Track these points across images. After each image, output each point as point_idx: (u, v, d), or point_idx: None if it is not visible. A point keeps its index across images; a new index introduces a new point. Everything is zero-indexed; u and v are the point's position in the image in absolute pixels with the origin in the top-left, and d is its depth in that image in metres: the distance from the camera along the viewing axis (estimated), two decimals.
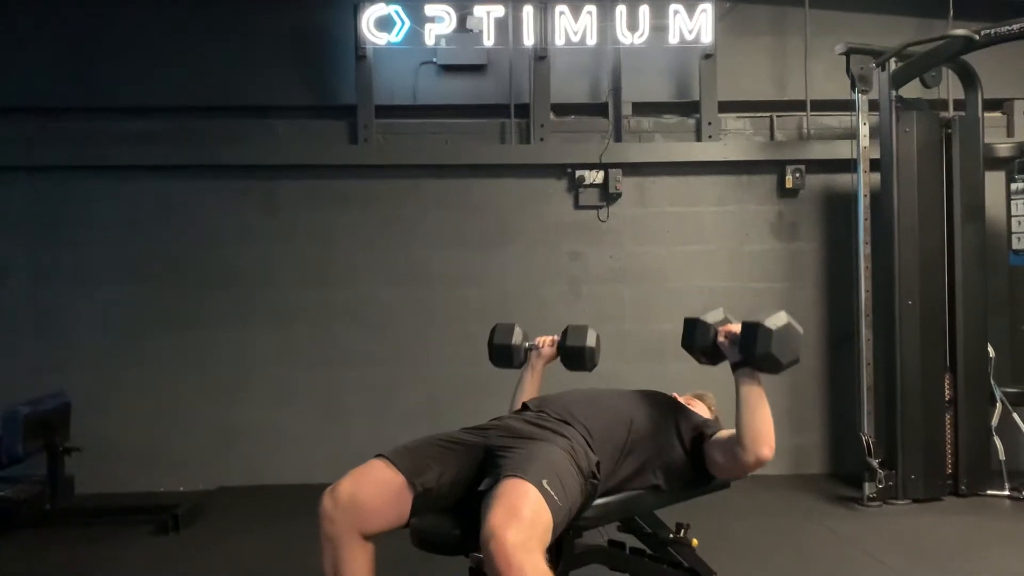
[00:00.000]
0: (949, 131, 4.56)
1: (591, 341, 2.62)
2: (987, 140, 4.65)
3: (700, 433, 2.26)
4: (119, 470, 4.78)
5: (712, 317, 2.28)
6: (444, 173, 5.01)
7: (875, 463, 4.25)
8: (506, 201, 5.04)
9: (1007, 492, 4.44)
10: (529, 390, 2.66)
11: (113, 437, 4.79)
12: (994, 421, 4.58)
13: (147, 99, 4.94)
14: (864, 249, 4.40)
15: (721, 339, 2.22)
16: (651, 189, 5.07)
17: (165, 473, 4.87)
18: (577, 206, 5.05)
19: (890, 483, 4.30)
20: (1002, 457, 4.53)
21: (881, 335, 4.47)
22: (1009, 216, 4.69)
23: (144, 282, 4.93)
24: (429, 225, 5.01)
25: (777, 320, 2.07)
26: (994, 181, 4.72)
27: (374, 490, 2.05)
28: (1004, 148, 4.86)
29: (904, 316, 4.39)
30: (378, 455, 2.14)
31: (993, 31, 4.02)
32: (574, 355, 2.63)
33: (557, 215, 5.04)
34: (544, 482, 1.88)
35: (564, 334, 2.68)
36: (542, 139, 5.00)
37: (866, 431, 4.32)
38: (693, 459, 2.25)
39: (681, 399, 2.64)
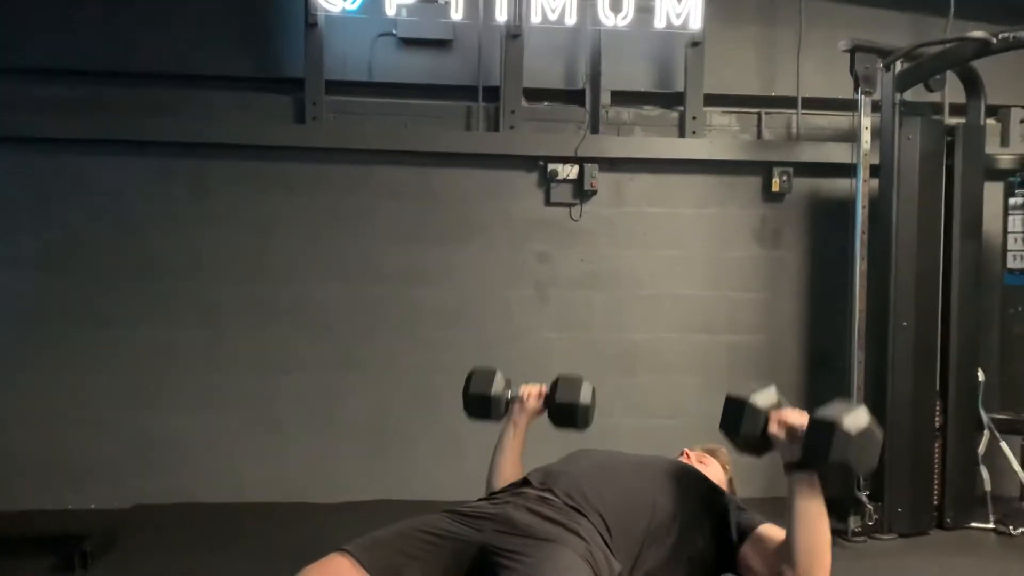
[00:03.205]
0: (951, 139, 4.24)
1: (585, 397, 2.21)
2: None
3: (732, 525, 1.84)
4: (16, 485, 4.20)
5: (764, 400, 1.80)
6: (401, 160, 4.48)
7: (864, 497, 3.95)
8: (469, 194, 4.55)
9: (992, 524, 4.19)
10: (511, 452, 2.24)
11: (10, 446, 4.22)
12: (981, 449, 4.33)
13: (59, 60, 4.29)
14: (860, 265, 4.06)
15: (775, 430, 1.76)
16: (628, 187, 4.64)
17: (73, 489, 4.30)
18: (548, 203, 4.59)
19: (876, 516, 4.00)
20: (988, 488, 4.28)
21: (871, 358, 4.16)
22: (1005, 232, 4.43)
23: (52, 270, 4.32)
24: (382, 217, 4.49)
25: (857, 420, 1.64)
26: (990, 192, 4.43)
27: None
28: (1004, 160, 4.57)
29: (897, 339, 4.08)
30: (340, 549, 1.67)
31: (1012, 35, 3.70)
32: (565, 413, 2.23)
33: (525, 212, 4.58)
34: None
35: (554, 386, 2.27)
36: (512, 127, 4.52)
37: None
38: (719, 552, 1.83)
39: (692, 455, 2.25)
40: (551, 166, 4.53)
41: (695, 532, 1.83)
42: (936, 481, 4.20)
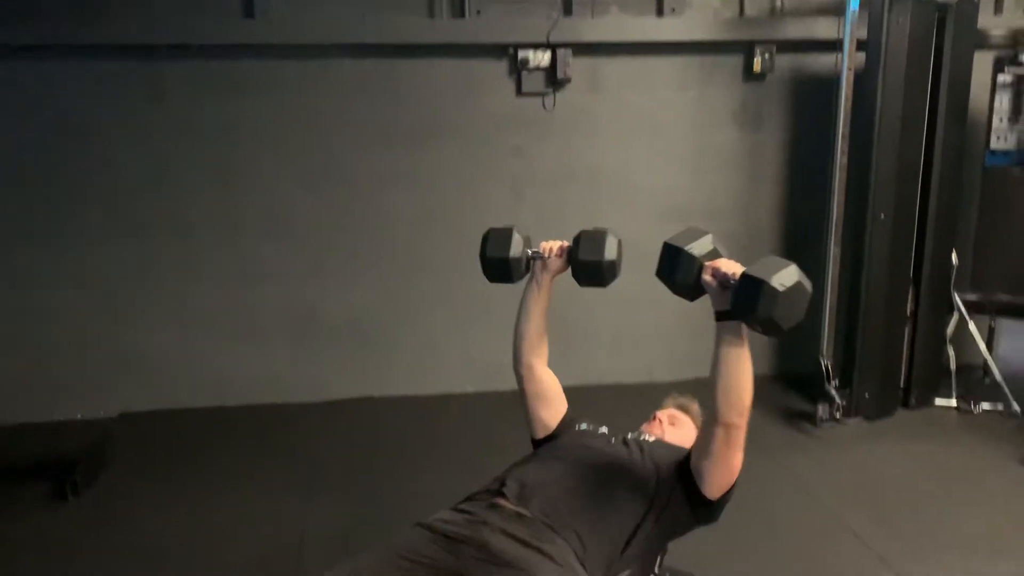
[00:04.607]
0: (942, 15, 4.01)
1: (611, 253, 2.08)
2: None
3: (681, 463, 1.90)
4: (2, 398, 4.23)
5: (699, 248, 1.82)
6: (362, 54, 4.21)
7: (833, 390, 4.07)
8: (436, 88, 4.32)
9: (955, 403, 4.36)
10: (536, 315, 2.15)
11: None
12: (949, 330, 4.43)
13: None
14: (841, 160, 3.96)
15: (707, 278, 1.79)
16: (604, 73, 4.41)
17: (59, 400, 4.34)
18: (520, 93, 4.37)
19: (844, 402, 4.14)
20: (953, 367, 4.42)
21: (848, 248, 4.15)
22: (991, 111, 4.29)
23: (9, 185, 4.13)
24: (346, 118, 4.28)
25: (786, 277, 1.64)
26: (979, 64, 4.23)
27: None
28: (996, 35, 4.35)
29: (875, 232, 4.04)
30: None
31: None
32: (590, 270, 2.10)
33: (496, 104, 4.37)
34: None
35: (577, 242, 2.13)
36: (479, 11, 4.22)
37: (826, 355, 4.10)
38: (687, 494, 1.89)
39: (664, 417, 2.26)
40: (522, 53, 4.28)
41: (671, 506, 1.88)
42: (904, 364, 4.32)
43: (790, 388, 4.63)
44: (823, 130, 4.20)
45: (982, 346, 4.39)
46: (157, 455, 3.92)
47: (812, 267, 4.37)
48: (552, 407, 2.18)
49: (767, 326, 1.68)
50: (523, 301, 2.18)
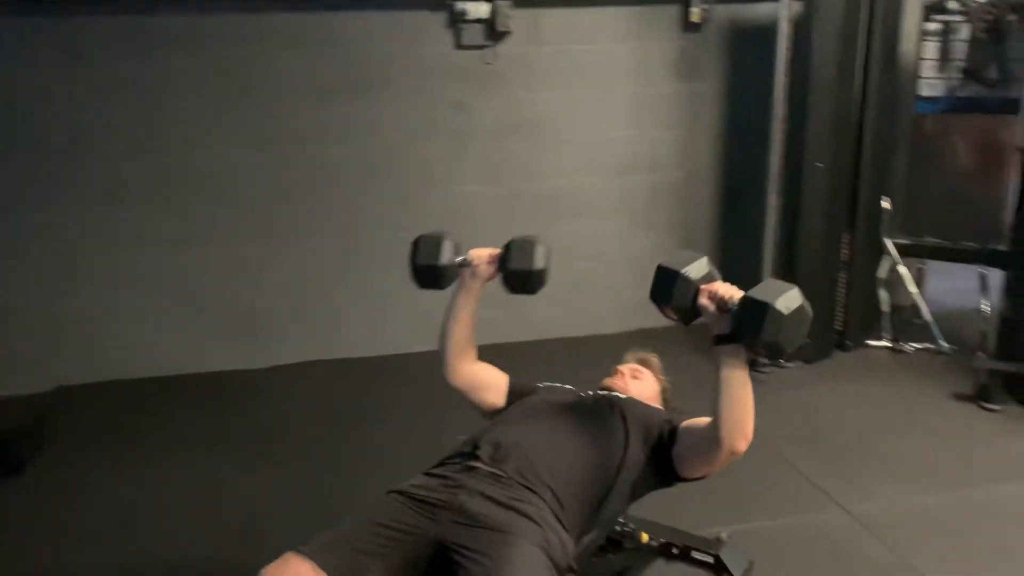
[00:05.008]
0: None
1: (540, 262, 2.09)
2: None
3: (660, 434, 1.91)
4: None
5: (695, 271, 1.79)
6: (292, 5, 4.05)
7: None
8: (373, 41, 4.19)
9: (888, 343, 4.54)
10: (464, 320, 2.14)
11: None
12: (882, 273, 4.58)
13: None
14: (779, 110, 4.01)
15: (704, 301, 1.77)
16: (544, 25, 4.36)
17: None
18: (459, 45, 4.29)
19: None
20: (885, 308, 4.59)
21: (786, 196, 4.23)
22: (919, 60, 4.40)
23: None
24: (280, 72, 4.13)
25: (790, 300, 1.64)
26: (911, 11, 4.31)
27: None
28: None
29: (812, 180, 4.12)
30: (296, 550, 1.60)
31: None
32: (519, 279, 2.11)
33: (435, 58, 4.28)
34: None
35: (507, 250, 2.12)
36: None
37: None
38: (657, 465, 1.91)
39: (626, 371, 2.29)
40: (460, 5, 4.19)
41: (640, 470, 1.89)
42: (841, 308, 4.46)
43: None
44: (761, 80, 4.24)
45: (912, 288, 4.56)
46: (100, 429, 3.78)
47: (750, 218, 4.54)
48: (492, 389, 2.17)
49: (771, 349, 1.68)
50: (451, 307, 2.16)
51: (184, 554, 2.75)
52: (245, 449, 3.51)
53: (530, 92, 4.42)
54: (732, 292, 1.73)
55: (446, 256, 2.11)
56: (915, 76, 4.42)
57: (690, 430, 1.89)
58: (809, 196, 4.14)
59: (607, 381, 2.27)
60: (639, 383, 2.25)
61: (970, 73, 4.37)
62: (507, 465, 1.79)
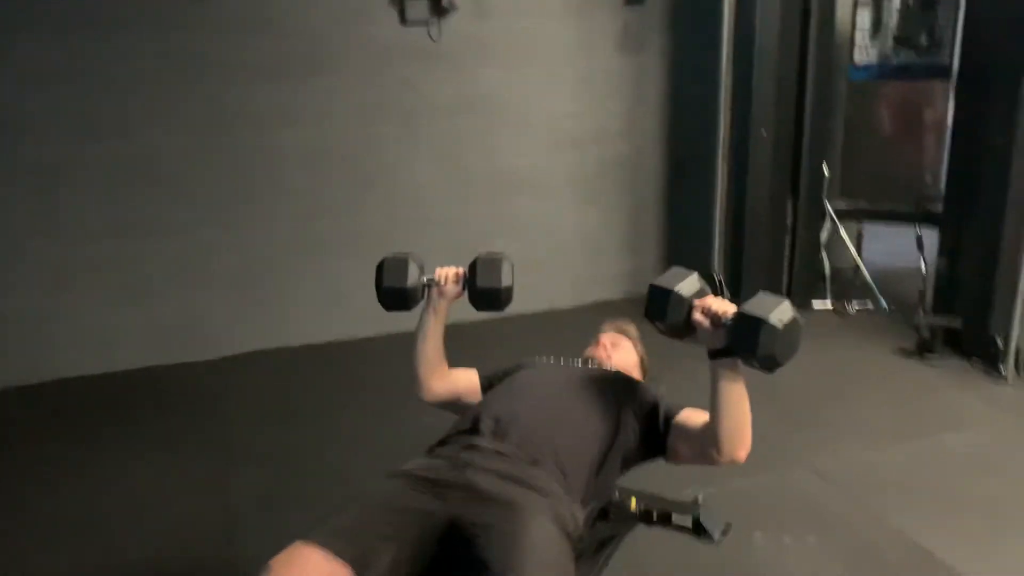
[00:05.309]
0: None
1: (506, 279, 2.11)
2: None
3: (660, 419, 1.95)
4: None
5: (687, 288, 1.84)
6: None
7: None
8: (317, 19, 4.09)
9: (831, 304, 4.71)
10: (434, 339, 2.15)
11: None
12: (824, 236, 4.75)
13: None
14: (725, 80, 4.09)
15: (699, 317, 1.80)
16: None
17: None
18: (404, 21, 4.23)
19: None
20: (828, 271, 4.76)
21: (733, 165, 4.34)
22: (853, 28, 4.54)
23: None
24: (223, 54, 4.00)
25: (783, 314, 1.68)
26: None
27: None
28: None
29: (757, 148, 4.24)
30: (306, 539, 1.57)
31: None
32: (486, 297, 2.13)
33: (381, 35, 4.20)
34: None
35: (472, 268, 2.14)
36: None
37: (717, 270, 4.31)
38: (648, 446, 1.96)
39: (607, 341, 2.32)
40: None
41: (634, 437, 1.93)
42: (786, 271, 4.61)
43: None
44: (703, 51, 4.32)
45: (852, 250, 4.74)
46: (53, 430, 3.63)
47: (697, 187, 4.64)
48: (468, 392, 2.19)
49: (766, 362, 1.70)
50: (420, 328, 2.16)
51: (158, 555, 2.69)
52: (206, 444, 3.42)
53: (479, 68, 4.40)
54: (726, 307, 1.77)
55: (412, 277, 2.12)
56: (850, 44, 4.56)
57: (687, 431, 1.92)
58: (755, 164, 4.26)
59: (589, 351, 2.30)
60: (620, 352, 2.29)
61: (902, 40, 4.53)
62: (509, 439, 1.81)
